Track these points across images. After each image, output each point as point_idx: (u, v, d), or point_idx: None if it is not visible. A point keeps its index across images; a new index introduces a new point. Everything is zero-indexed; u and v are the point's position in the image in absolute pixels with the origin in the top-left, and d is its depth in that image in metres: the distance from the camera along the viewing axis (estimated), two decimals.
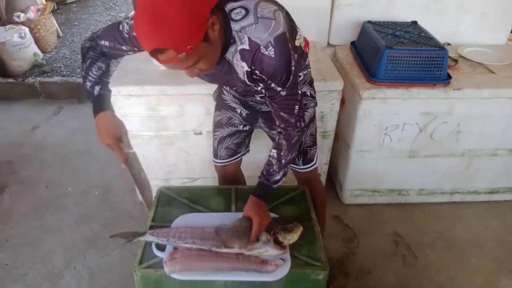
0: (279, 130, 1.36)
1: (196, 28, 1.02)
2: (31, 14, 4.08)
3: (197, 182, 2.35)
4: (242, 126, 1.71)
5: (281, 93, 1.25)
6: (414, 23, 2.30)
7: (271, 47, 1.14)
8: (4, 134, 3.14)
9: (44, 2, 4.46)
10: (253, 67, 1.21)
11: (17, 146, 2.99)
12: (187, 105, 2.04)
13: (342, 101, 2.17)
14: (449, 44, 2.44)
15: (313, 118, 1.67)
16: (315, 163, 1.73)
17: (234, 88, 1.56)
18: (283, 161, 1.36)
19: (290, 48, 1.19)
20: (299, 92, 1.30)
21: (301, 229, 1.40)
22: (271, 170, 1.37)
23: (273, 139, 1.72)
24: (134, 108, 2.04)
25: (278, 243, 1.35)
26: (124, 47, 1.32)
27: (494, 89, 2.05)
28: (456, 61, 2.27)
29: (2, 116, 3.36)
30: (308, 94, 1.62)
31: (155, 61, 2.12)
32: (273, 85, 1.23)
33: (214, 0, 1.10)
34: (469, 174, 2.35)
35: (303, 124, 1.34)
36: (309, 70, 1.61)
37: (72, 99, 3.61)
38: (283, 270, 1.28)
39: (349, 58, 2.34)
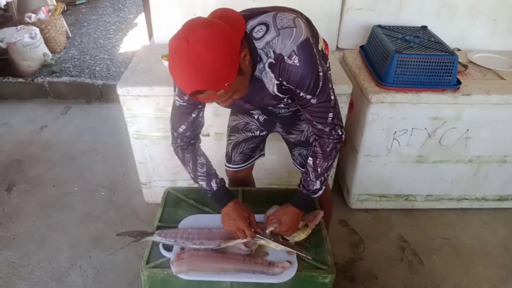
0: (315, 137, 1.34)
1: (231, 66, 1.04)
2: (42, 15, 4.14)
3: None
4: (258, 131, 1.69)
5: (311, 101, 1.22)
6: (424, 28, 2.29)
7: (294, 56, 1.12)
8: (13, 132, 3.17)
9: (55, 3, 4.51)
10: (280, 79, 1.19)
11: (26, 145, 3.02)
12: None
13: (351, 105, 2.17)
14: (459, 50, 2.42)
15: None
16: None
17: (269, 108, 1.52)
18: (319, 169, 1.34)
19: (316, 53, 1.16)
20: (332, 98, 1.25)
21: (308, 230, 1.40)
22: (308, 179, 1.37)
23: (289, 143, 1.70)
24: (143, 109, 2.05)
25: (283, 239, 1.36)
26: (195, 110, 1.33)
27: (504, 95, 2.03)
28: (466, 66, 2.26)
29: (11, 115, 3.40)
30: None
31: (164, 63, 2.13)
32: (302, 94, 1.20)
33: (242, 30, 1.10)
34: (477, 180, 2.33)
35: (340, 132, 1.31)
36: (329, 72, 1.56)
37: (80, 99, 3.63)
38: (289, 273, 1.28)
39: (358, 62, 2.33)
